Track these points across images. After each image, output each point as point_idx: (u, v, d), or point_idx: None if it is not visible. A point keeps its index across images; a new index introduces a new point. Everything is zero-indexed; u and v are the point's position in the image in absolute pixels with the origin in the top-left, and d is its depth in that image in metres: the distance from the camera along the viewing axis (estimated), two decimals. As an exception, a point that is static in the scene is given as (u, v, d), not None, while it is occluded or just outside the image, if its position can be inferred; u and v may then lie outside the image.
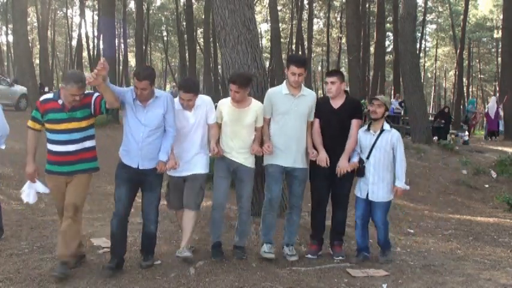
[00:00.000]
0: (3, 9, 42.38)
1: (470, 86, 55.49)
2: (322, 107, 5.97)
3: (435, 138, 17.61)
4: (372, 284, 5.17)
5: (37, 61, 44.05)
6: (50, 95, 5.20)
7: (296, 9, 42.60)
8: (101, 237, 6.23)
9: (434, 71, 64.14)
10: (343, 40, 41.77)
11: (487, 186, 12.71)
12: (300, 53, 40.98)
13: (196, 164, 5.61)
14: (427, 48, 61.96)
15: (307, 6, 42.75)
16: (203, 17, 38.28)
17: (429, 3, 49.17)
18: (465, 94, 44.57)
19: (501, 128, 23.05)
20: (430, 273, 5.59)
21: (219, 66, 35.64)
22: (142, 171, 5.27)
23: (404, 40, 16.92)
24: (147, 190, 5.40)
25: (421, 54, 50.04)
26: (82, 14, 44.59)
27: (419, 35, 43.17)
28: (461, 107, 37.30)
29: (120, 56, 44.28)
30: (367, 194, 5.85)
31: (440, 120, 20.41)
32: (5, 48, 50.26)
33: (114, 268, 5.20)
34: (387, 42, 43.24)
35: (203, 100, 5.64)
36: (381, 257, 6.01)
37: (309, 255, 6.03)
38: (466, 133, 20.25)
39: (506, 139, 20.89)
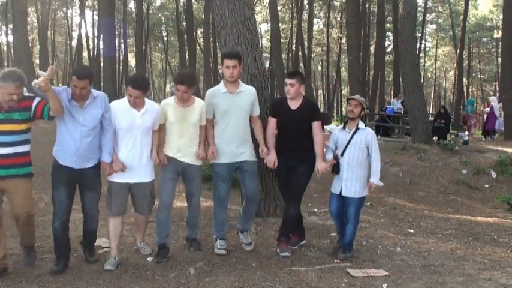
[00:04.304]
0: (3, 9, 42.29)
1: (470, 86, 55.54)
2: (279, 107, 6.09)
3: (435, 138, 17.60)
4: (372, 284, 5.17)
5: (37, 61, 43.98)
6: None
7: (296, 9, 42.53)
8: (100, 237, 6.22)
9: (434, 71, 64.10)
10: (343, 40, 41.68)
11: (487, 186, 12.71)
12: (300, 53, 41.02)
13: (143, 172, 5.53)
14: (427, 48, 61.94)
15: (307, 6, 42.70)
16: (203, 17, 38.25)
17: (429, 3, 49.13)
18: (465, 94, 44.55)
19: (497, 127, 23.02)
20: (430, 273, 5.59)
21: (219, 66, 35.59)
22: (81, 171, 5.20)
23: (404, 40, 16.92)
24: (87, 189, 5.34)
25: (421, 54, 49.99)
26: (82, 14, 44.52)
27: (419, 35, 43.13)
28: (461, 107, 37.28)
29: (120, 56, 44.26)
30: (341, 190, 5.99)
31: (440, 120, 20.40)
32: (5, 48, 50.19)
33: (61, 270, 5.21)
34: (387, 42, 43.22)
35: (153, 107, 5.58)
36: (340, 254, 6.07)
37: (285, 253, 5.99)
38: (466, 133, 20.22)
39: (506, 139, 20.87)
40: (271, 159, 5.92)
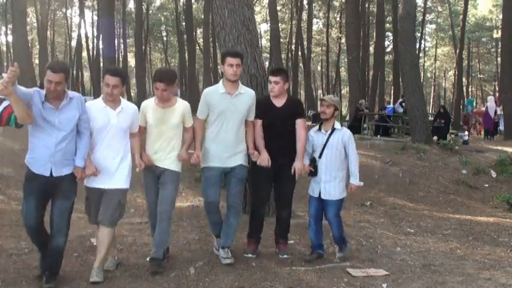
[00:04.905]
0: (2, 9, 42.31)
1: (470, 86, 55.49)
2: (264, 106, 5.92)
3: (435, 138, 17.60)
4: (372, 283, 5.18)
5: (37, 61, 43.98)
6: None
7: (295, 9, 42.59)
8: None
9: (433, 71, 64.10)
10: (343, 40, 41.76)
11: (486, 185, 12.72)
12: (299, 53, 41.03)
13: (116, 177, 5.06)
14: (427, 48, 61.96)
15: (306, 6, 42.77)
16: (203, 17, 38.25)
17: (429, 3, 49.13)
18: (465, 94, 44.57)
19: (500, 127, 23.06)
20: (430, 272, 5.59)
21: (219, 66, 35.61)
22: (56, 179, 4.70)
23: (403, 40, 16.93)
24: (60, 198, 4.77)
25: (421, 54, 50.04)
26: (81, 15, 44.60)
27: (419, 34, 43.17)
28: (461, 106, 37.31)
29: (120, 56, 44.25)
30: (320, 193, 5.87)
31: (440, 120, 20.40)
32: (4, 48, 50.21)
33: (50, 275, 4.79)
34: (387, 42, 43.19)
35: (130, 106, 5.24)
36: (338, 253, 6.06)
37: (249, 255, 5.95)
38: (466, 133, 20.23)
39: (506, 139, 20.88)
40: (265, 158, 5.72)
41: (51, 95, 4.62)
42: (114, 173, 5.05)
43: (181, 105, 5.47)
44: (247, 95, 5.75)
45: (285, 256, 5.98)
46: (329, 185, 5.82)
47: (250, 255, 5.93)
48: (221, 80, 5.78)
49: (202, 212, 6.89)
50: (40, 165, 4.67)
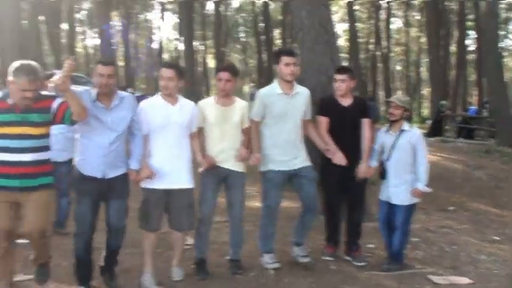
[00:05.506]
0: (88, 13, 44.19)
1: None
2: (330, 105, 5.74)
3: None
4: (455, 292, 5.00)
5: (121, 63, 45.59)
6: None
7: (374, 8, 42.00)
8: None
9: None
10: (423, 39, 40.76)
11: None
12: (378, 53, 40.43)
13: (183, 176, 4.91)
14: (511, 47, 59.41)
15: (385, 5, 42.07)
16: (280, 18, 38.42)
17: (513, 0, 47.12)
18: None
19: None
20: (517, 283, 5.34)
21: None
22: (108, 181, 4.54)
23: (486, 38, 16.37)
24: (115, 199, 4.62)
25: (505, 53, 48.04)
26: (163, 17, 45.88)
27: (503, 33, 41.44)
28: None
29: (199, 58, 45.11)
30: (390, 197, 5.61)
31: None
32: (92, 51, 52.40)
33: None
34: (469, 41, 41.78)
35: (189, 103, 5.08)
36: (384, 265, 5.65)
37: (328, 257, 5.83)
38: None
39: None
40: (341, 157, 5.50)
41: (103, 90, 4.47)
42: (179, 172, 4.89)
43: (241, 104, 5.35)
44: (303, 94, 5.54)
45: (362, 264, 5.74)
46: (398, 189, 5.54)
47: (328, 258, 5.85)
48: (276, 80, 5.55)
49: (282, 213, 6.85)
50: (92, 167, 4.50)
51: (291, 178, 5.46)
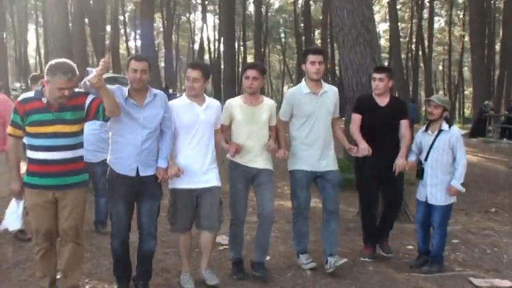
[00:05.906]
0: (131, 15, 44.88)
1: None
2: (366, 104, 5.74)
3: None
4: (497, 295, 4.93)
5: (162, 64, 46.17)
6: (30, 93, 4.27)
7: (416, 7, 41.38)
8: (220, 234, 6.39)
9: None
10: (466, 38, 39.94)
11: None
12: (420, 52, 39.84)
13: (211, 176, 4.84)
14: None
15: (427, 4, 41.42)
16: (321, 17, 38.27)
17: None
18: None
19: None
20: None
21: (337, 67, 35.40)
22: (142, 179, 4.48)
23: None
24: (148, 199, 4.55)
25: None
26: (204, 19, 46.25)
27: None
28: None
29: (240, 58, 45.33)
30: (427, 197, 5.57)
31: None
32: (133, 52, 53.32)
33: None
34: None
35: (215, 102, 5.01)
36: (425, 267, 5.59)
37: (366, 258, 5.81)
38: None
39: None
40: (364, 147, 5.42)
41: (136, 86, 4.42)
42: (207, 171, 4.82)
43: (268, 103, 5.27)
44: (332, 93, 5.47)
45: (390, 255, 5.84)
46: (435, 189, 5.51)
47: (367, 259, 5.84)
48: (303, 79, 5.48)
49: (316, 213, 6.87)
50: (126, 165, 4.45)
51: (315, 178, 5.43)
